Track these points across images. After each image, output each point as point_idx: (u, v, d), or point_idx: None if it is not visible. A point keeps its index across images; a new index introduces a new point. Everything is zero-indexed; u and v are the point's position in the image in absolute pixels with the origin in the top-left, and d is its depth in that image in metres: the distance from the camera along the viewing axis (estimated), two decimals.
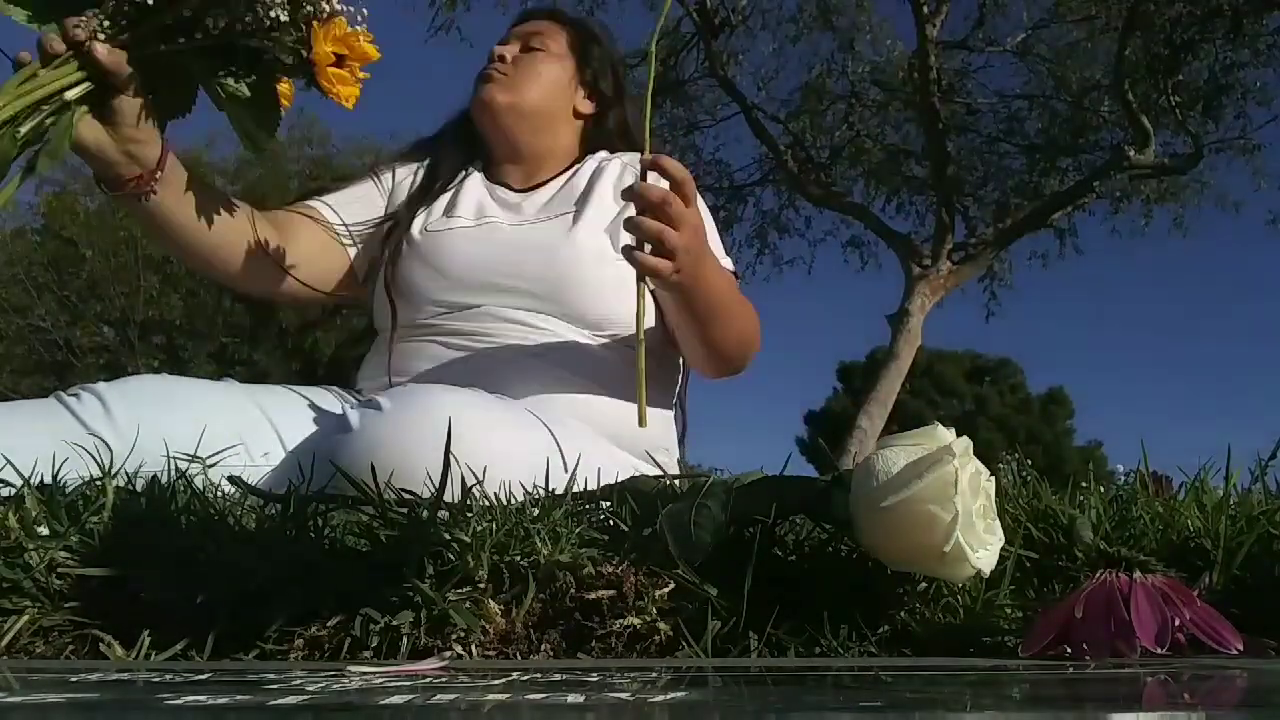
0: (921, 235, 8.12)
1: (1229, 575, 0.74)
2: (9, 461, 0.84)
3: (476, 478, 0.76)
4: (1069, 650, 0.63)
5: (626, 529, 0.76)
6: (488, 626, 0.67)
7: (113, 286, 12.64)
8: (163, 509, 0.77)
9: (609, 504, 0.80)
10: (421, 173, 1.45)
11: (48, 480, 0.79)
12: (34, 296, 12.68)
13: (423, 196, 1.41)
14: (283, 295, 1.33)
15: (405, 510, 0.73)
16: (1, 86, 0.84)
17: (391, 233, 1.36)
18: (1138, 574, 0.65)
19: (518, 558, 0.70)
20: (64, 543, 0.70)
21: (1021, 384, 20.42)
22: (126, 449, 1.03)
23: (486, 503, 0.75)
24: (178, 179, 1.10)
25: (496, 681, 0.48)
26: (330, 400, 1.29)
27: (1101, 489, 0.90)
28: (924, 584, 0.75)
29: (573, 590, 0.69)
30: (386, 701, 0.40)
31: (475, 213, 1.37)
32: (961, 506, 0.66)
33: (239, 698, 0.42)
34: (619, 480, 0.84)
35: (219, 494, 0.84)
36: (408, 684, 0.47)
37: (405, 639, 0.65)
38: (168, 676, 0.50)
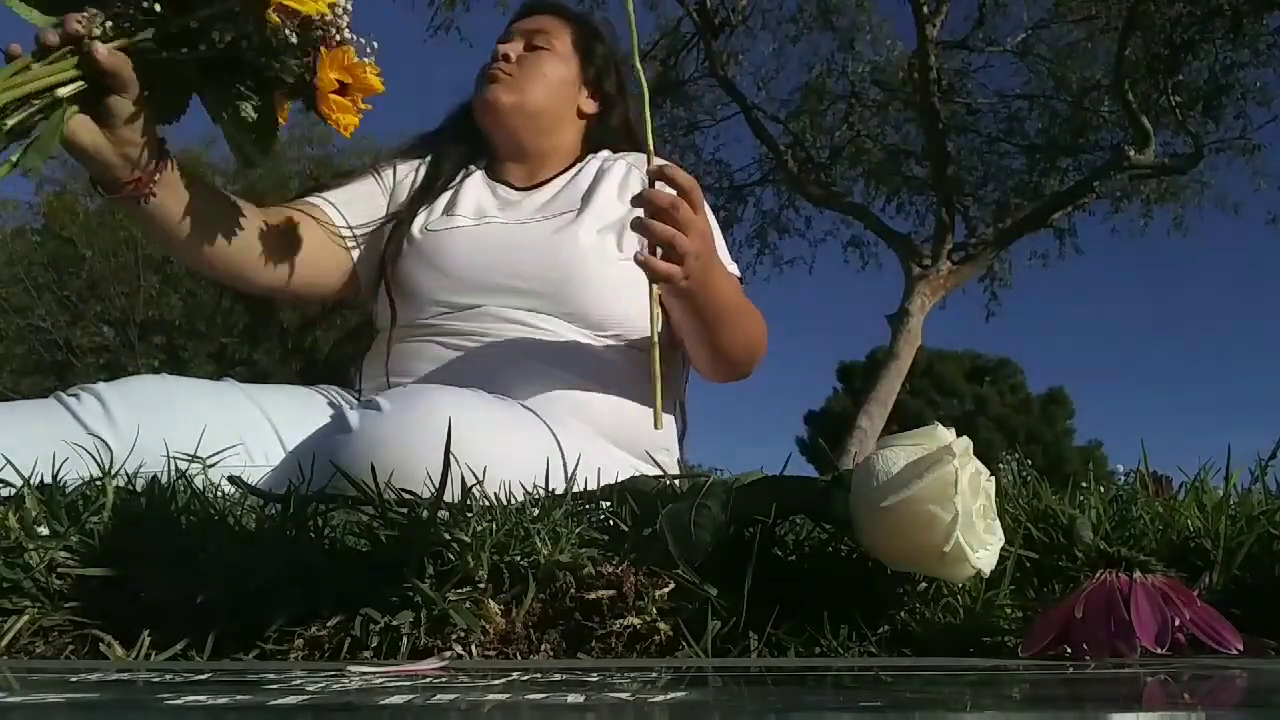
0: (921, 235, 8.12)
1: (1229, 575, 0.74)
2: (9, 461, 0.84)
3: (476, 478, 0.76)
4: (1069, 650, 0.63)
5: (626, 529, 0.76)
6: (488, 626, 0.67)
7: (113, 286, 12.64)
8: (163, 509, 0.77)
9: (609, 504, 0.80)
10: (423, 170, 1.45)
11: (48, 480, 0.79)
12: (34, 296, 12.68)
13: (424, 195, 1.40)
14: (284, 294, 1.33)
15: (405, 510, 0.73)
16: None
17: (393, 232, 1.36)
18: (1138, 574, 0.65)
19: (518, 558, 0.70)
20: (64, 543, 0.70)
21: (1021, 384, 20.42)
22: (126, 449, 1.02)
23: (486, 503, 0.75)
24: (176, 180, 1.09)
25: (496, 681, 0.48)
26: (330, 400, 1.29)
27: (1101, 489, 0.90)
28: (924, 584, 0.75)
29: (573, 590, 0.69)
30: (386, 701, 0.40)
31: (476, 212, 1.37)
32: (961, 506, 0.66)
33: (239, 698, 0.42)
34: (619, 480, 0.84)
35: (219, 494, 0.84)
36: (408, 684, 0.47)
37: (405, 639, 0.65)
38: (168, 676, 0.50)
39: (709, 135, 9.04)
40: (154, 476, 0.82)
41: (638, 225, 1.01)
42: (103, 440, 1.03)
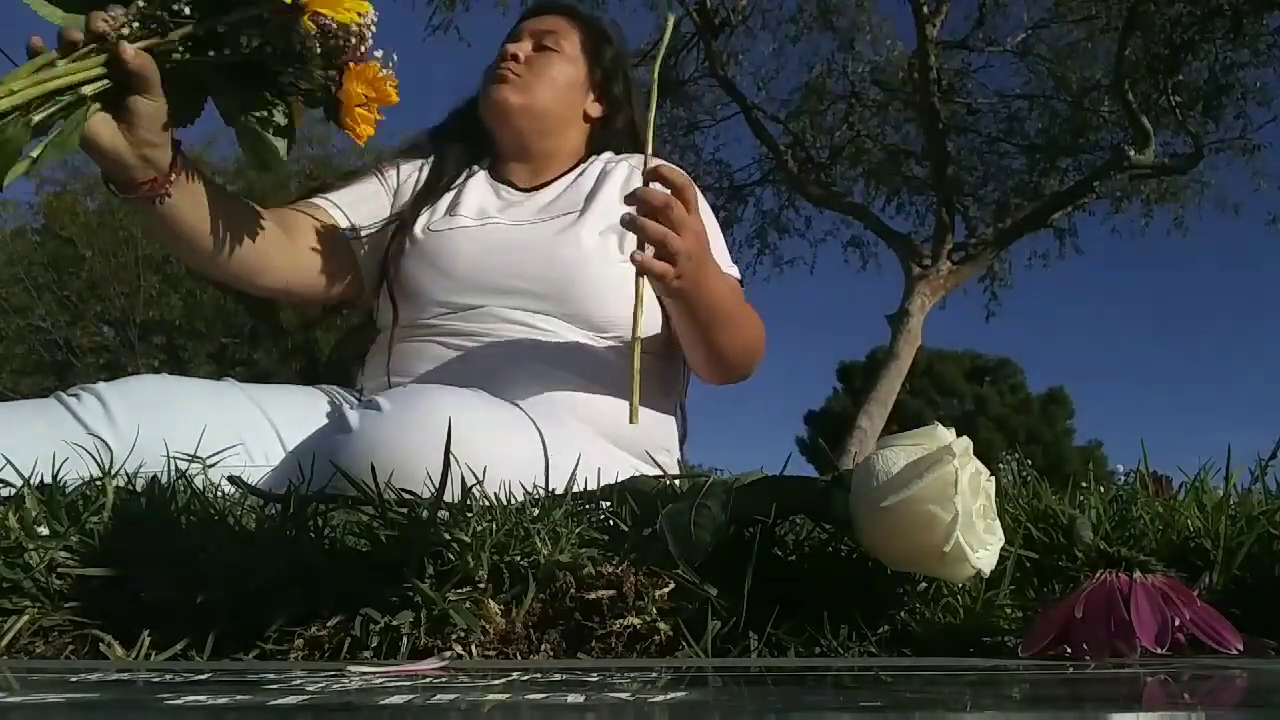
0: (921, 235, 8.12)
1: (1229, 575, 0.74)
2: (9, 461, 0.84)
3: (476, 478, 0.77)
4: (1069, 650, 0.63)
5: (626, 529, 0.76)
6: (488, 626, 0.67)
7: (113, 286, 12.64)
8: (163, 509, 0.77)
9: (609, 504, 0.80)
10: (426, 170, 1.45)
11: (48, 480, 0.79)
12: (34, 296, 12.68)
13: (427, 195, 1.40)
14: (288, 296, 1.33)
15: (405, 510, 0.73)
16: (15, 71, 0.84)
17: (396, 232, 1.36)
18: (1138, 574, 0.65)
19: (518, 558, 0.70)
20: (64, 543, 0.70)
21: (1021, 384, 20.42)
22: (126, 449, 1.03)
23: (486, 503, 0.75)
24: (189, 181, 1.08)
25: (496, 681, 0.48)
26: (331, 400, 1.29)
27: (1101, 489, 0.90)
28: (924, 584, 0.75)
29: (573, 590, 0.69)
30: (386, 701, 0.40)
31: (479, 212, 1.37)
32: (961, 506, 0.66)
33: (239, 698, 0.42)
34: (619, 480, 0.84)
35: (219, 494, 0.84)
36: (408, 684, 0.47)
37: (405, 639, 0.65)
38: (168, 676, 0.50)
39: (709, 135, 9.05)
40: (154, 476, 0.82)
41: (628, 222, 1.01)
42: (103, 440, 1.03)
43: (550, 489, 0.83)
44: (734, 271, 1.33)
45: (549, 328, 1.27)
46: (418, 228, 1.35)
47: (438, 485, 0.73)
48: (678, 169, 1.06)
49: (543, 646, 0.68)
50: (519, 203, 1.38)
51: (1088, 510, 0.82)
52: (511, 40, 1.44)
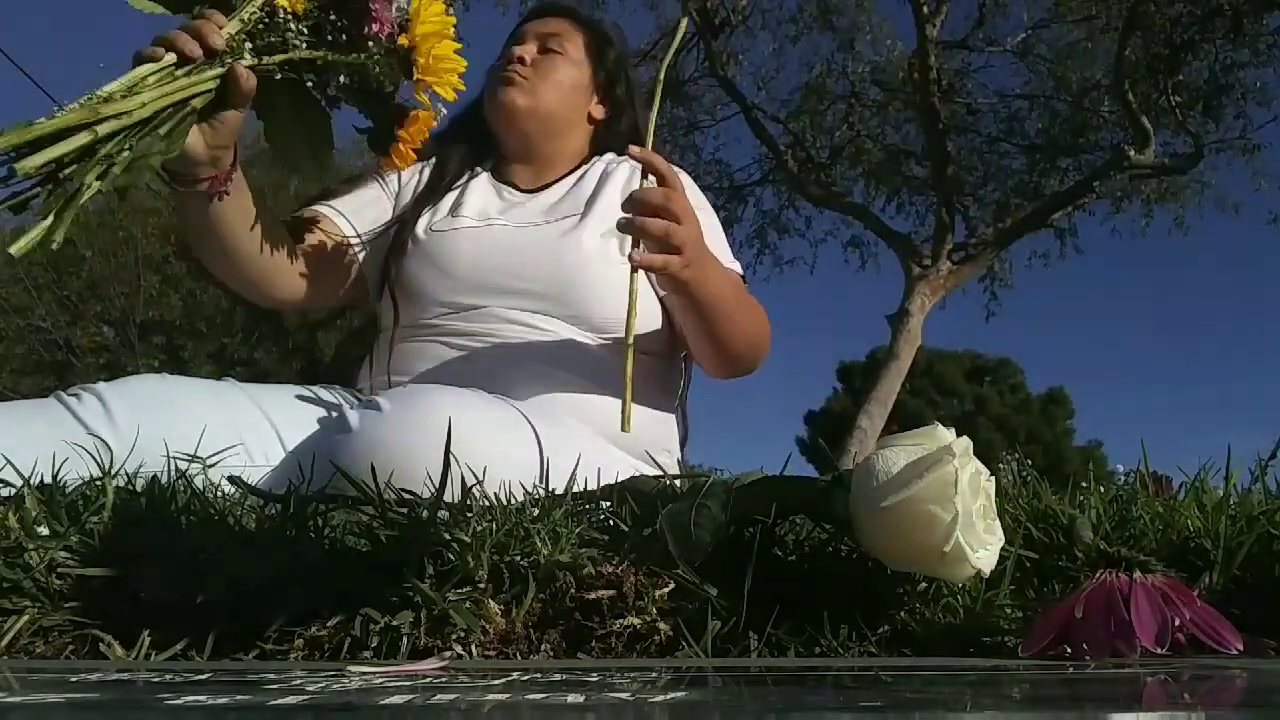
0: (921, 235, 8.13)
1: (1229, 575, 0.74)
2: (9, 461, 0.84)
3: (476, 478, 0.76)
4: (1069, 650, 0.63)
5: (626, 529, 0.76)
6: (488, 626, 0.67)
7: (113, 286, 12.63)
8: (163, 509, 0.77)
9: (609, 504, 0.80)
10: (427, 172, 1.45)
11: (48, 480, 0.79)
12: (34, 296, 12.67)
13: (429, 195, 1.40)
14: (296, 307, 1.34)
15: (405, 510, 0.73)
16: (130, 80, 0.85)
17: (398, 232, 1.36)
18: (1138, 574, 0.65)
19: (518, 558, 0.70)
20: (64, 543, 0.70)
21: (1021, 384, 20.41)
22: (126, 449, 1.03)
23: (486, 503, 0.75)
24: (242, 183, 1.12)
25: (496, 681, 0.48)
26: (330, 400, 1.29)
27: (1101, 489, 0.90)
28: (924, 584, 0.75)
29: (573, 590, 0.69)
30: (386, 701, 0.40)
31: (480, 213, 1.37)
32: (961, 506, 0.66)
33: (239, 698, 0.42)
34: (619, 480, 0.84)
35: (219, 494, 0.84)
36: (408, 684, 0.47)
37: (405, 639, 0.65)
38: (168, 676, 0.50)
39: (709, 135, 9.06)
40: (154, 476, 0.82)
41: (624, 226, 1.02)
42: (103, 440, 1.03)
43: (550, 489, 0.83)
44: (736, 266, 1.34)
45: (550, 328, 1.27)
46: (420, 228, 1.35)
47: (438, 485, 0.73)
48: (658, 156, 1.06)
49: (543, 646, 0.68)
50: (521, 204, 1.39)
51: (1088, 510, 0.82)
52: (516, 43, 1.44)
